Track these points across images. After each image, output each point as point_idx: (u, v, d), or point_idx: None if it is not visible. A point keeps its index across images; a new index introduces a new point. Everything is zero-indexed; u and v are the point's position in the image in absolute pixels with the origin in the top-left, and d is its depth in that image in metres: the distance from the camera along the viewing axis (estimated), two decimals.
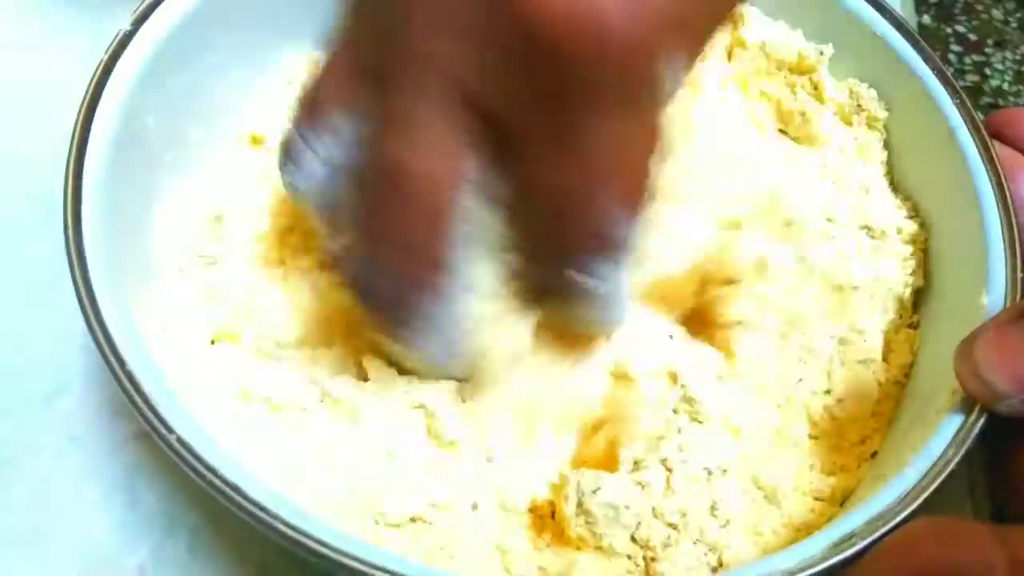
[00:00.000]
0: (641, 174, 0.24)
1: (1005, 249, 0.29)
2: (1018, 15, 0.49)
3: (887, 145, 0.35)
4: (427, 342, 0.27)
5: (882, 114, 0.35)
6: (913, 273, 0.32)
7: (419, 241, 0.24)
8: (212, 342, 0.30)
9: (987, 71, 0.47)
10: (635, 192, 0.24)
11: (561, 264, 0.25)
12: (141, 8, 0.29)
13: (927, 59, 0.33)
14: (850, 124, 0.35)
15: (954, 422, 0.26)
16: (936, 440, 0.25)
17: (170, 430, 0.23)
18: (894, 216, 0.33)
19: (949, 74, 0.32)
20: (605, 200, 0.24)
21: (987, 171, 0.30)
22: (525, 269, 0.26)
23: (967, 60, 0.47)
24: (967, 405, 0.26)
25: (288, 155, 0.26)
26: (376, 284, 0.25)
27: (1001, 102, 0.46)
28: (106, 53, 0.28)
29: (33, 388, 0.33)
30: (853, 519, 0.24)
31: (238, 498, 0.22)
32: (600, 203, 0.24)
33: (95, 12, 0.41)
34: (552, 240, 0.25)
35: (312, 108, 0.25)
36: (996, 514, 0.34)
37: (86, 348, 0.34)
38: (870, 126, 0.35)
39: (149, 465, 0.32)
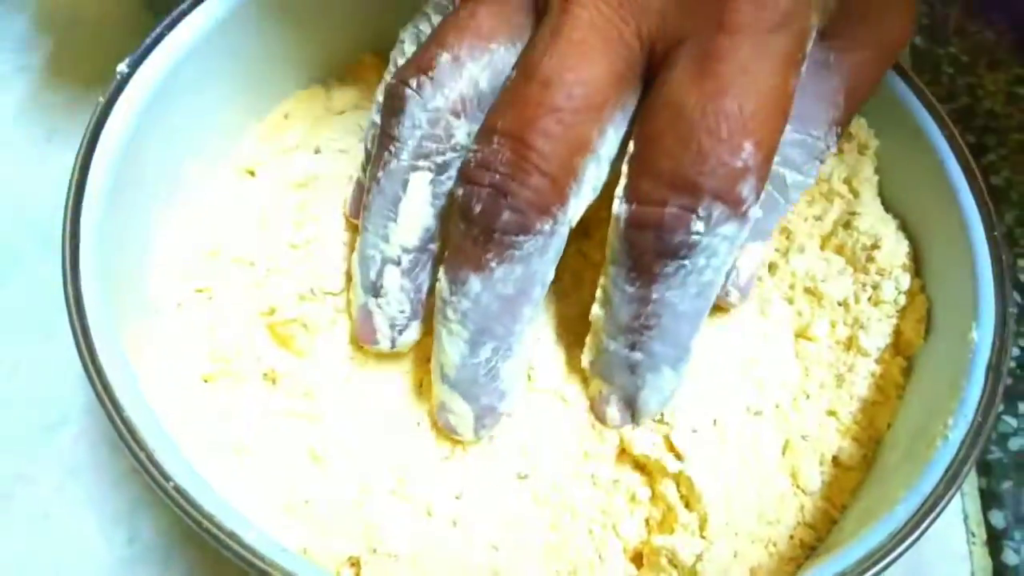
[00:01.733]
0: (778, 121, 0.24)
1: (994, 283, 0.29)
2: (1010, 36, 0.49)
3: (878, 171, 0.35)
4: (506, 283, 0.26)
5: (873, 142, 0.35)
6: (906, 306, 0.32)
7: (560, 150, 0.24)
8: (204, 380, 0.30)
9: (979, 92, 0.47)
10: (770, 136, 0.24)
11: (676, 201, 0.24)
12: (139, 50, 0.30)
13: (916, 91, 0.33)
14: (841, 152, 0.35)
15: (944, 458, 0.26)
16: (927, 477, 0.26)
17: (167, 478, 0.23)
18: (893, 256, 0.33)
19: (938, 105, 0.33)
20: (742, 133, 0.23)
21: (977, 204, 0.30)
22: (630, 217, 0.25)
23: (959, 82, 0.47)
24: (959, 441, 0.26)
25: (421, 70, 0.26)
26: (498, 188, 0.25)
27: (993, 124, 0.46)
28: (103, 96, 0.29)
29: (33, 421, 0.34)
30: (843, 559, 0.24)
31: (235, 545, 0.22)
32: (737, 135, 0.23)
33: (99, 42, 0.42)
34: (677, 168, 0.24)
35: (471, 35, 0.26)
36: (991, 544, 0.35)
37: (86, 381, 0.34)
38: (860, 153, 0.35)
39: (148, 498, 0.32)
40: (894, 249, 0.33)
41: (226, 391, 0.30)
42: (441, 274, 0.27)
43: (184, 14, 0.31)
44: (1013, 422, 0.38)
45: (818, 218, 0.34)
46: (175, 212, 0.32)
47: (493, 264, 0.26)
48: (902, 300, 0.32)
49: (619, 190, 0.26)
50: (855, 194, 0.34)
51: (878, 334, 0.32)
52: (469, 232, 0.25)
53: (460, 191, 0.26)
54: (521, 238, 0.25)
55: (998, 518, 0.35)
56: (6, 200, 0.38)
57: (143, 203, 0.31)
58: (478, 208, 0.25)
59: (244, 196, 0.34)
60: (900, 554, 0.25)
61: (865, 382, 0.32)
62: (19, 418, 0.34)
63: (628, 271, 0.26)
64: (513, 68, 0.26)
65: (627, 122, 0.26)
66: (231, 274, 0.32)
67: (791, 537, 0.30)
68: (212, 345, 0.31)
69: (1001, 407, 0.38)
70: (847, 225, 0.34)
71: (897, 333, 0.32)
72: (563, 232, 0.26)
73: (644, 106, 0.25)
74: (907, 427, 0.30)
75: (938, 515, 0.25)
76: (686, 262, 0.25)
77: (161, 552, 0.32)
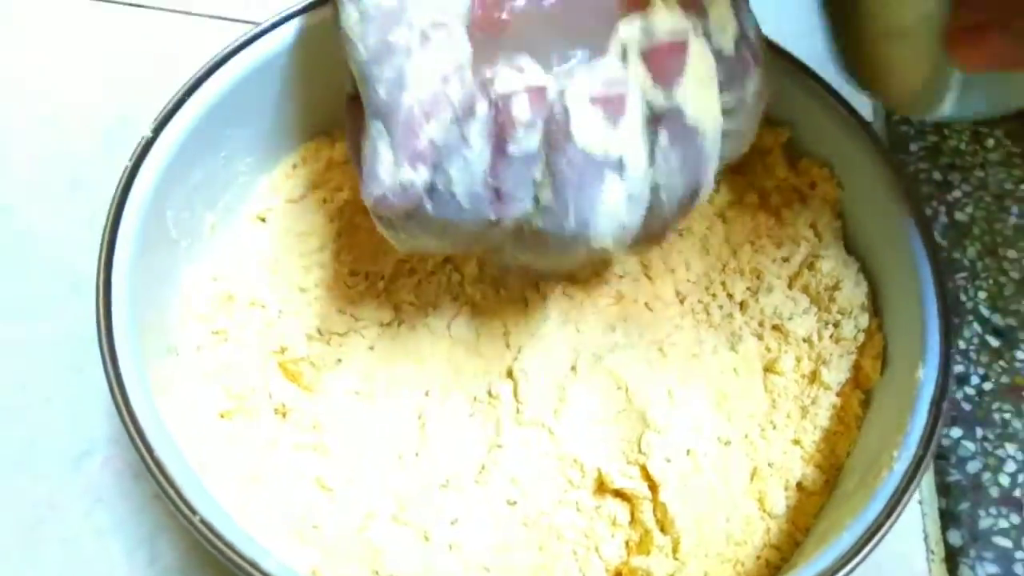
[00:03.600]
0: None
1: (940, 325, 0.32)
2: None
3: (841, 216, 0.38)
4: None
5: (835, 192, 0.37)
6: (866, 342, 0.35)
7: None
8: (221, 416, 0.33)
9: (946, 132, 0.50)
10: None
11: None
12: (160, 115, 0.33)
13: (875, 143, 0.36)
14: (806, 198, 0.38)
15: (888, 488, 0.29)
16: (872, 505, 0.28)
17: (194, 511, 0.26)
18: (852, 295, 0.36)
19: (893, 159, 0.35)
20: None
21: (926, 252, 0.33)
22: None
23: (927, 121, 0.50)
24: (901, 472, 0.29)
25: None
26: None
27: (958, 162, 0.49)
28: (131, 160, 0.32)
29: (62, 452, 0.37)
30: None
31: (256, 574, 0.25)
32: None
33: (116, 93, 0.45)
34: None
35: None
36: (949, 561, 0.37)
37: (111, 413, 0.37)
38: (824, 200, 0.38)
39: (169, 524, 0.35)
40: (854, 290, 0.35)
41: (242, 425, 0.33)
42: None
43: (201, 81, 0.34)
44: (971, 446, 0.40)
45: (786, 259, 0.37)
46: (195, 260, 0.35)
47: None
48: (861, 338, 0.35)
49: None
50: (819, 238, 0.37)
51: (839, 369, 0.35)
52: None
53: None
54: None
55: (955, 536, 0.38)
56: (37, 242, 0.41)
57: (166, 254, 0.34)
58: None
59: (256, 243, 0.37)
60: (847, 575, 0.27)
61: (827, 413, 0.35)
62: (50, 450, 0.36)
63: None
64: None
65: None
66: (245, 316, 0.35)
67: (758, 558, 0.32)
68: (228, 383, 0.34)
69: (959, 432, 0.40)
70: (811, 266, 0.37)
71: (856, 368, 0.35)
72: None
73: None
74: (863, 456, 0.32)
75: (879, 540, 0.28)
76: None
77: (182, 573, 0.34)
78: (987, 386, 0.42)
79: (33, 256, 0.41)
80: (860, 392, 0.35)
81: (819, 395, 0.35)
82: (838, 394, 0.35)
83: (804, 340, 0.36)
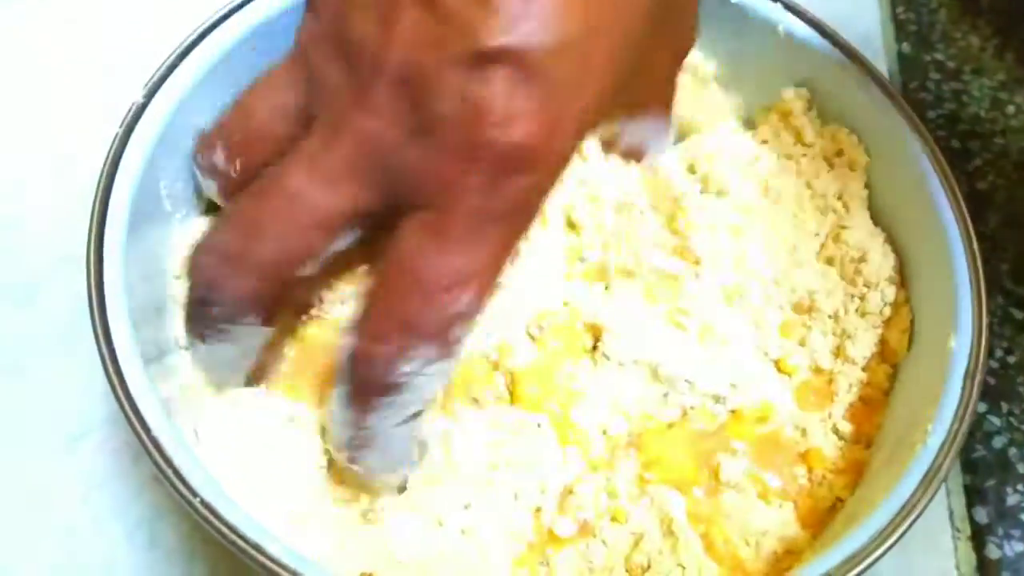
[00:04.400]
0: (491, 287, 0.26)
1: (972, 295, 0.31)
2: (994, 42, 0.50)
3: (868, 186, 0.36)
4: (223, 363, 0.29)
5: (863, 159, 0.36)
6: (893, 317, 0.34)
7: (275, 250, 0.26)
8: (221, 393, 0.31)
9: (964, 99, 0.48)
10: (483, 297, 0.26)
11: (386, 337, 0.26)
12: (152, 80, 0.31)
13: (900, 108, 0.34)
14: (832, 167, 0.37)
15: (923, 464, 0.28)
16: (906, 482, 0.27)
17: (194, 493, 0.25)
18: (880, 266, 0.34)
19: (922, 126, 0.34)
20: (459, 292, 0.25)
21: (957, 221, 0.32)
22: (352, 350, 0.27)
23: (945, 88, 0.49)
24: (937, 447, 0.28)
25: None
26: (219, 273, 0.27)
27: (978, 129, 0.47)
28: (121, 126, 0.30)
29: (58, 432, 0.35)
30: (828, 560, 0.26)
31: (260, 557, 0.24)
32: (454, 293, 0.25)
33: (111, 78, 0.43)
34: (387, 302, 0.26)
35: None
36: (975, 539, 0.36)
37: (106, 393, 0.35)
38: (851, 169, 0.36)
39: (169, 506, 0.34)
40: (881, 262, 0.34)
41: (243, 402, 0.32)
42: None
43: (196, 43, 0.32)
44: (997, 421, 0.39)
45: (815, 233, 0.36)
46: (189, 235, 0.33)
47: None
48: (887, 311, 0.34)
49: (351, 321, 0.27)
50: (846, 208, 0.36)
51: (864, 343, 0.33)
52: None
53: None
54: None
55: (981, 514, 0.37)
56: (25, 220, 0.39)
57: (161, 225, 0.32)
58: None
59: None
60: (880, 556, 0.26)
61: (854, 389, 0.33)
62: (45, 432, 0.35)
63: (347, 397, 0.27)
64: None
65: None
66: None
67: (781, 538, 0.31)
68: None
69: (984, 407, 0.39)
70: (837, 238, 0.35)
71: (883, 343, 0.33)
72: None
73: (385, 256, 0.26)
74: (892, 432, 0.31)
75: (916, 518, 0.27)
76: (398, 397, 0.27)
77: (182, 555, 0.33)
78: (1011, 359, 0.41)
79: (20, 235, 0.39)
80: (887, 367, 0.33)
81: (844, 370, 0.33)
82: (864, 369, 0.33)
83: (829, 316, 0.34)
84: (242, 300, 0.27)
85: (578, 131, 0.26)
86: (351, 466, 0.28)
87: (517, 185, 0.25)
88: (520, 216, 0.26)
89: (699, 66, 0.38)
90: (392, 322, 0.26)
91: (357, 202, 0.26)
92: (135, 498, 0.34)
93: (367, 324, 0.26)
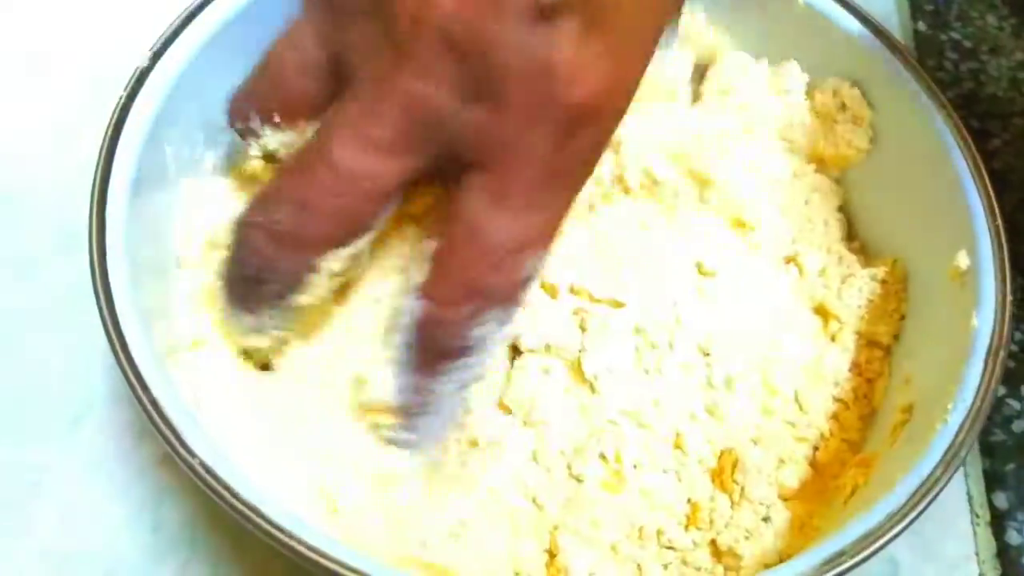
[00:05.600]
0: (553, 242, 0.26)
1: (995, 270, 0.30)
2: (1012, 21, 0.49)
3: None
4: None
5: (866, 112, 0.35)
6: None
7: (324, 221, 0.25)
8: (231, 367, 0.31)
9: (982, 78, 0.47)
10: (546, 255, 0.25)
11: (457, 301, 0.25)
12: (158, 43, 0.30)
13: (910, 67, 0.34)
14: (835, 121, 0.36)
15: (943, 441, 0.27)
16: (926, 460, 0.26)
17: (192, 454, 0.24)
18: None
19: (934, 85, 0.33)
20: (528, 253, 0.25)
21: (979, 193, 0.31)
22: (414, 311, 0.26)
23: (962, 68, 0.48)
24: (957, 425, 0.27)
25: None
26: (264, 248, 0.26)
27: (996, 109, 0.46)
28: (125, 90, 0.29)
29: (58, 412, 0.34)
30: (843, 537, 0.25)
31: (257, 519, 0.23)
32: (524, 254, 0.25)
33: (112, 48, 0.42)
34: (456, 267, 0.25)
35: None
36: (995, 525, 0.35)
37: (110, 371, 0.35)
38: (855, 123, 0.36)
39: (173, 488, 0.33)
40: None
41: (253, 379, 0.31)
42: None
43: (203, 6, 0.31)
44: (1016, 405, 0.38)
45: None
46: (195, 203, 0.32)
47: None
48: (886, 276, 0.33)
49: (416, 284, 0.26)
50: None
51: (864, 310, 0.33)
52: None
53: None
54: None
55: (1001, 499, 0.36)
56: (24, 195, 0.39)
57: (166, 194, 0.31)
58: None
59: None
60: (897, 534, 0.25)
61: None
62: (45, 411, 0.34)
63: (411, 363, 0.27)
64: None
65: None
66: None
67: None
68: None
69: (1004, 390, 0.38)
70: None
71: (882, 312, 0.33)
72: None
73: (449, 219, 0.26)
74: (912, 410, 0.30)
75: (935, 497, 0.26)
76: (466, 360, 0.26)
77: (186, 540, 0.32)
78: None
79: (21, 208, 0.38)
80: (889, 337, 0.33)
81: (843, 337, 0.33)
82: (858, 333, 0.33)
83: (818, 274, 0.34)
84: (296, 278, 0.26)
85: (639, 78, 0.25)
86: (401, 435, 0.28)
87: (583, 141, 0.24)
88: (584, 171, 0.25)
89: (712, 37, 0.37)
90: (462, 287, 0.25)
91: (409, 169, 0.25)
92: (137, 480, 0.33)
93: (435, 289, 0.25)
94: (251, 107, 0.28)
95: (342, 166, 0.25)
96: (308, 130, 0.27)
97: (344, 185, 0.25)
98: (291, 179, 0.26)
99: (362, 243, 0.26)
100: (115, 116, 0.29)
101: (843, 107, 0.36)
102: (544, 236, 0.25)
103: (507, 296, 0.25)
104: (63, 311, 0.36)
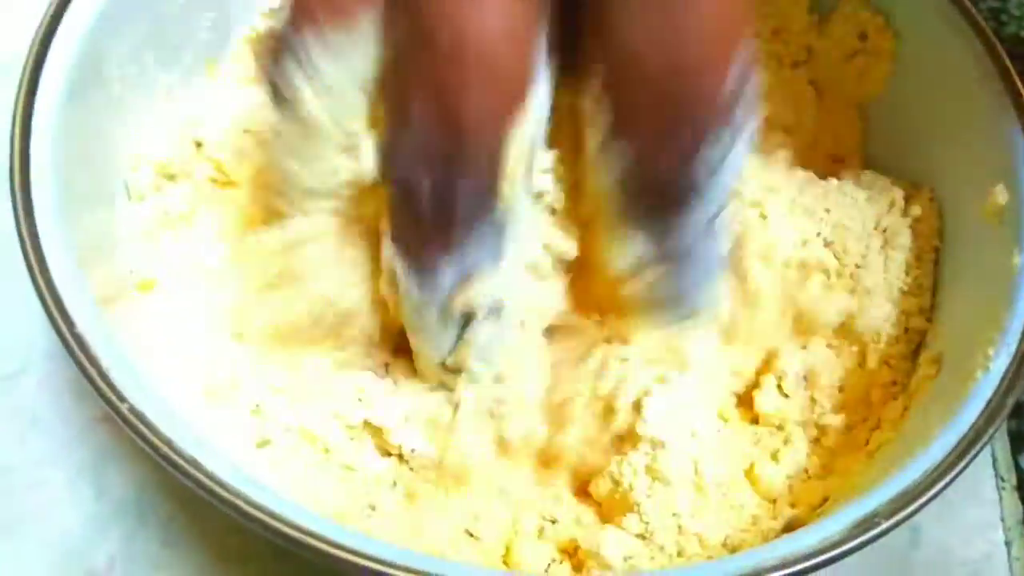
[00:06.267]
0: (745, 30, 0.22)
1: None
2: None
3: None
4: (464, 262, 0.23)
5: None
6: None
7: (487, 116, 0.21)
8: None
9: (1003, 17, 0.44)
10: (744, 40, 0.22)
11: (673, 151, 0.22)
12: None
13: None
14: (855, 52, 0.34)
15: (985, 391, 0.24)
16: (966, 412, 0.24)
17: (122, 399, 0.21)
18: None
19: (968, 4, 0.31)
20: (720, 55, 0.21)
21: (1018, 115, 0.28)
22: (621, 175, 0.23)
23: (982, 6, 0.45)
24: (1001, 372, 0.24)
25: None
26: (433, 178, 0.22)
27: (1017, 49, 0.43)
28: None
29: None
30: (876, 497, 0.22)
31: (195, 472, 0.20)
32: (716, 58, 0.21)
33: None
34: (662, 114, 0.22)
35: None
36: (1021, 489, 0.33)
37: (46, 326, 0.31)
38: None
39: (117, 450, 0.30)
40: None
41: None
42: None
43: None
44: None
45: None
46: (145, 125, 0.29)
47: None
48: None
49: (599, 145, 0.23)
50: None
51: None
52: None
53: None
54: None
55: None
56: None
57: (108, 116, 0.28)
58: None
59: (220, 100, 0.31)
60: (937, 493, 0.23)
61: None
62: None
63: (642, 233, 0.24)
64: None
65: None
66: (208, 194, 0.30)
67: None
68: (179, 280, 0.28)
69: None
70: None
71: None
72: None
73: (613, 46, 0.22)
74: (943, 360, 0.28)
75: (979, 452, 0.23)
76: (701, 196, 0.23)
77: (133, 507, 0.29)
78: None
79: None
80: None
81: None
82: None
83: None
84: (480, 190, 0.22)
85: None
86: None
87: None
88: None
89: None
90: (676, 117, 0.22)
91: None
92: (78, 440, 0.31)
93: (640, 129, 0.22)
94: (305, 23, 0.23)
95: (478, 49, 0.21)
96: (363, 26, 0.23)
97: (486, 68, 0.21)
98: (420, 68, 0.22)
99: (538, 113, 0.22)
100: (45, 22, 0.26)
101: (864, 37, 0.33)
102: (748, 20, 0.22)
103: (725, 108, 0.22)
104: None
